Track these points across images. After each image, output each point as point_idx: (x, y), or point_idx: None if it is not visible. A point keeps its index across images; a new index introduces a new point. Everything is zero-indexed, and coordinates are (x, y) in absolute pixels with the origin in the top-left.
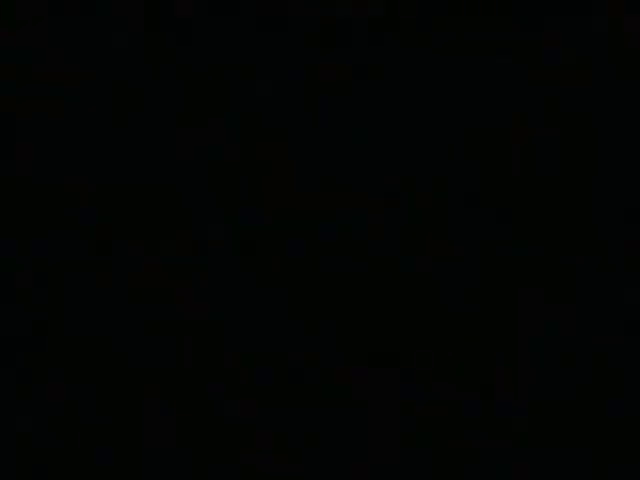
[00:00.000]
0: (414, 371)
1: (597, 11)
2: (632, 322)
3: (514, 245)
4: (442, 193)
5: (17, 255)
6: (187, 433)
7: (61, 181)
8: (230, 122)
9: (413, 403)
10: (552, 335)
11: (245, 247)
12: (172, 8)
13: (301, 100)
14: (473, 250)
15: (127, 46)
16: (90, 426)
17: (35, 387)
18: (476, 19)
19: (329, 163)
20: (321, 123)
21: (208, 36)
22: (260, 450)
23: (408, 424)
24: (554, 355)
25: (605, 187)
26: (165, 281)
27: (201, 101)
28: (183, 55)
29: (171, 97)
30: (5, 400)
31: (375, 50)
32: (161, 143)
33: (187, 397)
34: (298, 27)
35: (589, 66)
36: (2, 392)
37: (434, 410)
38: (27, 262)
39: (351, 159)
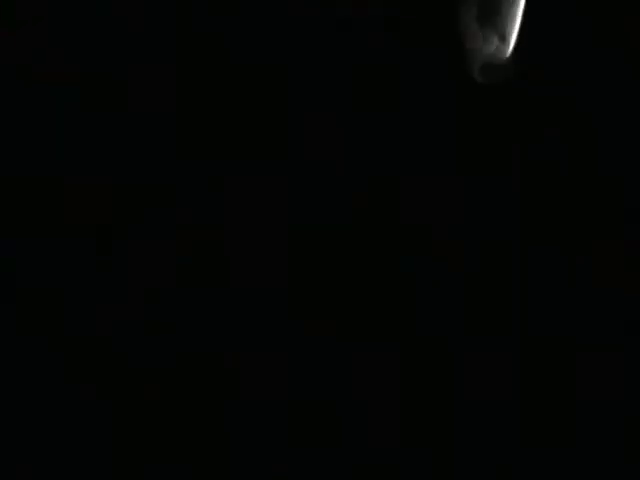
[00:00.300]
0: (414, 370)
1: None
2: (632, 322)
3: (514, 244)
4: (442, 193)
5: (17, 255)
6: (187, 433)
7: (61, 181)
8: (230, 122)
9: (413, 402)
10: (552, 330)
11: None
12: (173, 8)
13: (301, 100)
14: (473, 249)
15: (127, 46)
16: (90, 426)
17: (35, 387)
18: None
19: (329, 163)
20: (321, 123)
21: (208, 36)
22: (260, 450)
23: (409, 424)
24: (554, 349)
25: (605, 187)
26: (165, 281)
27: (201, 101)
28: (183, 55)
29: (171, 97)
30: (5, 400)
31: (375, 50)
32: (161, 143)
33: (187, 397)
34: (298, 27)
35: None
36: (2, 392)
37: (434, 409)
38: (27, 262)
39: (351, 159)
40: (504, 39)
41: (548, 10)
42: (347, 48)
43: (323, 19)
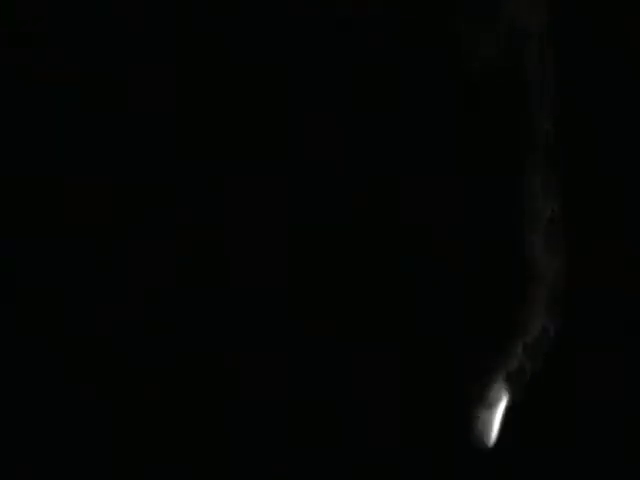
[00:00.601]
0: (414, 370)
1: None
2: (632, 322)
3: (514, 244)
4: (442, 193)
5: (17, 255)
6: (187, 433)
7: (61, 181)
8: (230, 122)
9: (413, 402)
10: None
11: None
12: (173, 8)
13: (301, 100)
14: (473, 249)
15: (127, 46)
16: (90, 426)
17: (35, 387)
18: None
19: (329, 163)
20: (321, 123)
21: (208, 36)
22: (260, 450)
23: (409, 424)
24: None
25: (605, 187)
26: (165, 281)
27: (201, 101)
28: (183, 55)
29: (171, 97)
30: (5, 400)
31: (375, 50)
32: (161, 143)
33: (187, 397)
34: (298, 27)
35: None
36: (2, 392)
37: (434, 409)
38: (27, 262)
39: (351, 159)
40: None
41: (548, 11)
42: (347, 48)
43: (323, 19)
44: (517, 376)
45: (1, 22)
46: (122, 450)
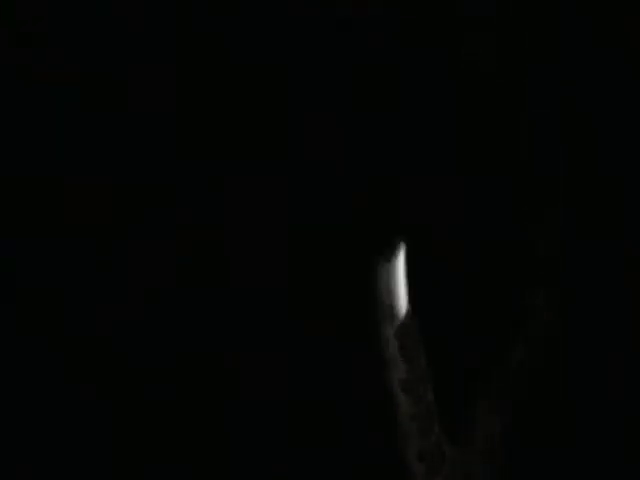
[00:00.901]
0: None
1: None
2: (632, 322)
3: (514, 244)
4: (442, 193)
5: (17, 255)
6: (187, 433)
7: (61, 181)
8: (230, 122)
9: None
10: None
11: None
12: (173, 8)
13: (301, 100)
14: (473, 249)
15: (127, 46)
16: (90, 426)
17: (35, 387)
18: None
19: (329, 163)
20: (321, 123)
21: (208, 36)
22: (260, 450)
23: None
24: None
25: (605, 187)
26: (165, 281)
27: (201, 101)
28: (183, 55)
29: (171, 97)
30: (5, 400)
31: (375, 50)
32: (161, 143)
33: (187, 397)
34: (298, 27)
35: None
36: (2, 392)
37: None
38: (27, 262)
39: (351, 159)
40: None
41: (548, 10)
42: (347, 48)
43: (323, 19)
44: (516, 376)
45: (1, 22)
46: (122, 450)
